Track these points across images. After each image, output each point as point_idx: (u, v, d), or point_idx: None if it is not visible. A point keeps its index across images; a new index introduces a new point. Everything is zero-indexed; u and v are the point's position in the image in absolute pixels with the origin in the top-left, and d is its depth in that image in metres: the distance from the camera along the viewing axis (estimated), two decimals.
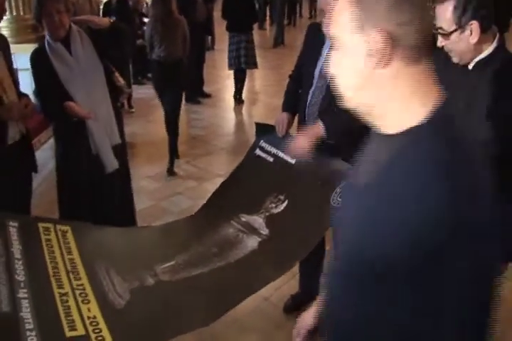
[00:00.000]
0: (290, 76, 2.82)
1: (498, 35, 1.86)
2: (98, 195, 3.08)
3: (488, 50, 1.85)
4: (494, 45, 1.86)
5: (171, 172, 5.12)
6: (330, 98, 2.39)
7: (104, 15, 7.18)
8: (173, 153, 5.30)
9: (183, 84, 5.40)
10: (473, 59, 1.87)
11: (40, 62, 2.85)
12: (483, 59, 1.86)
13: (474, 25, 1.78)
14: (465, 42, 1.81)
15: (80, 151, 2.96)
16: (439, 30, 1.82)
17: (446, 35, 1.81)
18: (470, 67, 1.89)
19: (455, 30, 1.80)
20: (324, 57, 2.44)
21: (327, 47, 2.44)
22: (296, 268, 3.02)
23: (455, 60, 1.89)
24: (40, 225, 2.28)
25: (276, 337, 2.80)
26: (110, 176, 3.05)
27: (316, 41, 2.51)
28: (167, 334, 1.88)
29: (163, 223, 2.83)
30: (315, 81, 2.49)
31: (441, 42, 1.85)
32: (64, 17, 2.75)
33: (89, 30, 2.96)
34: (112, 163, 3.02)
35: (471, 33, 1.79)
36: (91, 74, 2.89)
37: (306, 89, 2.55)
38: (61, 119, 2.92)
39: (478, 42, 1.82)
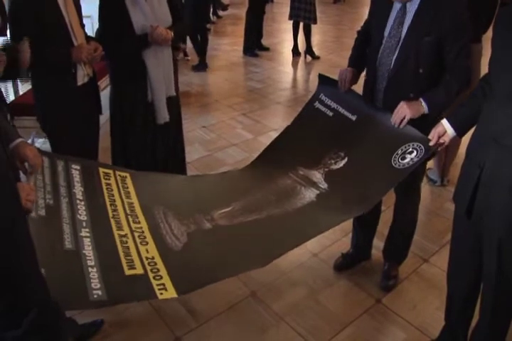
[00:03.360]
0: (358, 32, 2.73)
1: None
2: (149, 143, 3.12)
3: None
4: None
5: None
6: (404, 59, 2.34)
7: None
8: None
9: None
10: None
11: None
12: None
13: None
14: None
15: (136, 98, 2.98)
16: None
17: None
18: None
19: None
20: (394, 18, 2.36)
21: (396, 9, 2.36)
22: (348, 227, 3.01)
23: None
24: (101, 170, 2.33)
25: (325, 293, 2.81)
26: (163, 127, 3.08)
27: (385, 1, 2.40)
28: (223, 274, 1.92)
29: (221, 172, 2.84)
30: (384, 40, 2.41)
31: None
32: None
33: None
34: (164, 115, 3.06)
35: None
36: (160, 19, 2.89)
37: (375, 48, 2.46)
38: (125, 59, 2.93)
39: None
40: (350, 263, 3.00)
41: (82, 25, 2.80)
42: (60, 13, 2.59)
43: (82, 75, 2.76)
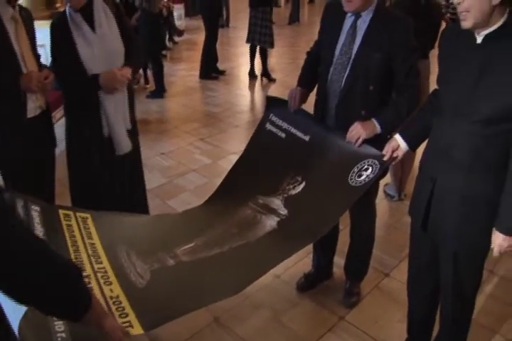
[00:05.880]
0: (308, 52, 2.79)
1: (508, 10, 1.80)
2: (108, 177, 2.99)
3: (498, 23, 1.79)
4: (504, 18, 1.79)
5: None
6: (355, 76, 2.40)
7: None
8: None
9: None
10: (483, 27, 1.81)
11: (59, 31, 2.73)
12: (492, 32, 1.80)
13: None
14: (487, 2, 1.72)
15: (91, 132, 2.85)
16: None
17: None
18: (479, 40, 1.84)
19: None
20: (345, 36, 2.44)
21: (346, 27, 2.44)
22: (309, 247, 3.03)
23: (467, 24, 1.78)
24: (61, 212, 2.30)
25: (289, 314, 2.83)
26: (121, 159, 2.95)
27: (335, 20, 2.49)
28: (188, 308, 1.91)
29: (180, 208, 2.83)
30: (335, 59, 2.47)
31: None
32: None
33: (114, 3, 2.87)
34: (126, 145, 2.92)
35: None
36: (111, 50, 2.78)
37: (326, 66, 2.52)
38: (77, 94, 2.83)
39: (495, 10, 1.74)
40: (312, 283, 3.03)
41: (37, 55, 2.75)
42: (9, 41, 2.51)
43: (34, 108, 2.68)
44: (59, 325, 1.67)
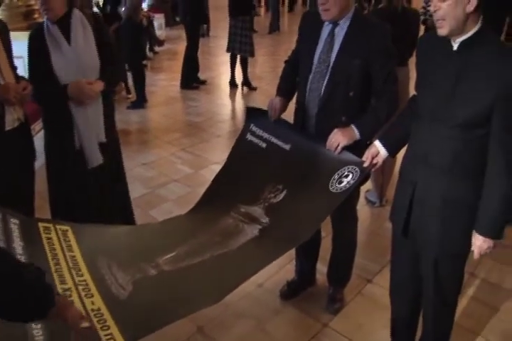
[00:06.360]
0: (286, 61, 2.82)
1: (481, 17, 1.84)
2: (87, 189, 2.95)
3: (472, 30, 1.83)
4: (479, 25, 1.84)
5: None
6: (334, 83, 2.42)
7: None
8: None
9: None
10: (459, 34, 1.84)
11: (36, 42, 2.74)
12: (467, 39, 1.84)
13: None
14: (461, 10, 1.77)
15: (64, 145, 2.83)
16: None
17: None
18: (455, 47, 1.88)
19: None
20: (323, 44, 2.46)
21: (324, 35, 2.46)
22: (291, 254, 3.04)
23: (443, 31, 1.83)
24: (41, 225, 2.29)
25: (273, 322, 2.83)
26: (99, 172, 2.91)
27: (313, 28, 2.52)
28: (171, 317, 1.90)
29: (162, 217, 2.82)
30: (314, 67, 2.50)
31: (435, 6, 1.81)
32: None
33: (94, 17, 2.87)
34: (96, 157, 2.87)
35: (469, 1, 1.75)
36: (85, 64, 2.76)
37: (305, 74, 2.54)
38: (50, 106, 2.83)
39: (470, 17, 1.79)
40: (295, 291, 3.03)
41: (13, 67, 2.73)
42: None
43: (12, 120, 2.65)
44: (37, 330, 1.67)
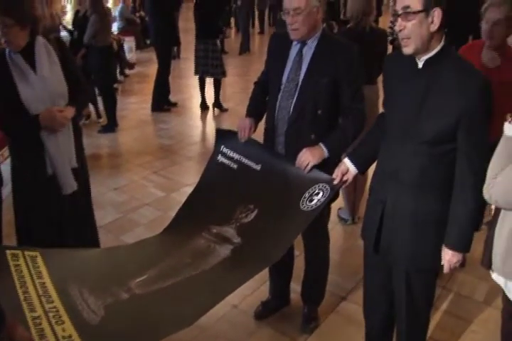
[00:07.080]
0: (255, 83, 2.86)
1: (444, 36, 1.90)
2: (55, 216, 2.89)
3: (436, 48, 1.89)
4: (442, 44, 1.90)
5: None
6: (303, 102, 2.46)
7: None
8: None
9: None
10: (424, 53, 1.90)
11: None
12: (431, 57, 1.90)
13: (437, 12, 1.81)
14: (425, 29, 1.83)
15: (35, 172, 2.78)
16: (406, 10, 1.83)
17: (412, 14, 1.82)
18: (420, 65, 1.93)
19: (421, 11, 1.81)
20: (292, 63, 2.51)
21: (293, 55, 2.51)
22: (265, 275, 3.03)
23: (408, 50, 1.89)
24: (8, 252, 2.26)
25: None
26: (69, 196, 2.86)
27: (282, 48, 2.57)
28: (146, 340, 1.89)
29: (134, 242, 2.80)
30: (283, 86, 2.54)
31: (400, 26, 1.86)
32: (13, 31, 2.56)
33: (58, 42, 2.83)
34: (70, 184, 2.84)
35: (433, 21, 1.82)
36: (54, 91, 2.71)
37: (274, 94, 2.58)
38: (20, 136, 2.77)
39: (434, 36, 1.85)
40: (270, 311, 3.02)
41: None
42: None
43: None
44: None
